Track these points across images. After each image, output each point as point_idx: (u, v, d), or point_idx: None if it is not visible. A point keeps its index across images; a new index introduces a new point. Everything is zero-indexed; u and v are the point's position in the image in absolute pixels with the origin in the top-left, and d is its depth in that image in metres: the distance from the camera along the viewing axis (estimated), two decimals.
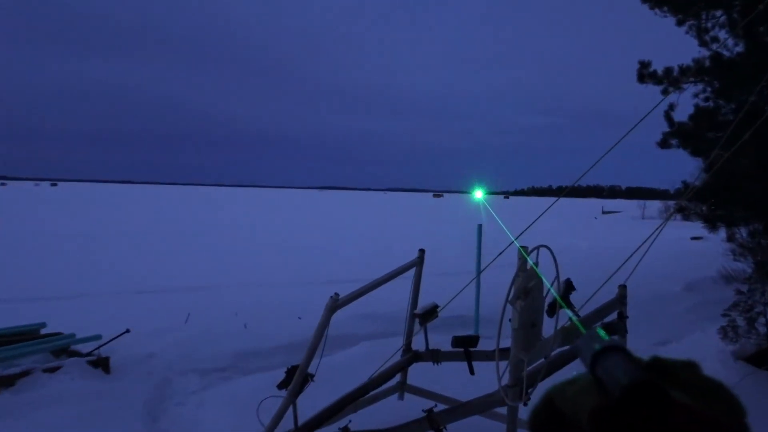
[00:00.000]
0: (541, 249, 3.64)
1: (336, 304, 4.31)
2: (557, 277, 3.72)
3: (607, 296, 4.64)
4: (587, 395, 0.63)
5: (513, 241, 3.79)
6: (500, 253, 4.62)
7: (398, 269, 5.16)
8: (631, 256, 4.63)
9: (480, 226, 9.29)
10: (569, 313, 4.55)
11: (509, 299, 3.55)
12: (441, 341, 5.73)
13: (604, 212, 74.60)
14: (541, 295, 3.81)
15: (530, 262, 3.52)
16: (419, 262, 5.45)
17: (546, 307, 3.91)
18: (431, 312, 5.17)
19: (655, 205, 56.93)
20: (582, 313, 4.48)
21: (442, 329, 7.97)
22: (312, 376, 4.28)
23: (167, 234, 26.63)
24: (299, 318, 9.80)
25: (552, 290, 3.76)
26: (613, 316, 4.64)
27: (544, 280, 3.64)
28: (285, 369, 4.40)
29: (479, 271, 7.79)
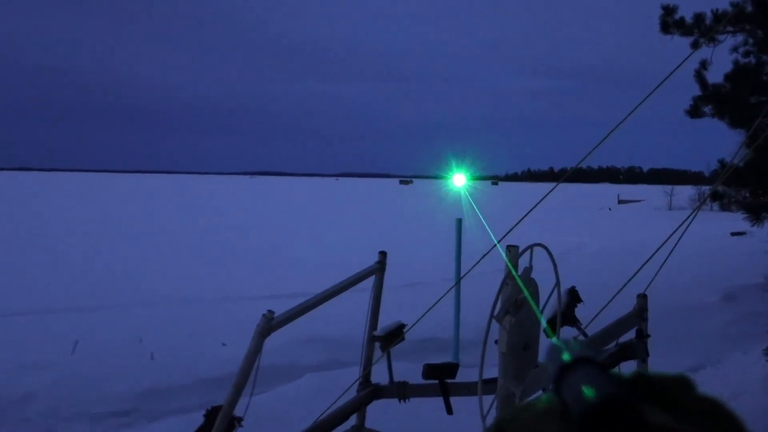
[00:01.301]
0: (537, 249, 3.67)
1: (270, 325, 4.29)
2: (557, 285, 3.77)
3: (624, 309, 4.71)
4: (547, 421, 0.63)
5: (496, 244, 3.82)
6: (483, 256, 4.65)
7: (352, 278, 5.16)
8: (653, 256, 4.70)
9: (459, 221, 9.35)
10: (575, 331, 4.61)
11: (495, 315, 3.58)
12: (409, 371, 5.74)
13: (620, 201, 75.95)
14: (537, 308, 3.85)
15: (510, 267, 3.56)
16: (380, 268, 5.45)
17: (543, 325, 3.95)
18: (396, 334, 5.17)
19: (686, 192, 57.41)
20: (591, 331, 4.55)
21: (410, 356, 8.00)
22: (240, 420, 4.25)
23: (49, 234, 26.19)
24: (223, 344, 9.75)
25: (551, 302, 3.81)
26: (631, 334, 4.72)
27: (529, 291, 3.68)
28: (204, 412, 4.37)
29: (458, 279, 7.84)
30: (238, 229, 31.59)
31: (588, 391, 0.59)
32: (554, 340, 0.67)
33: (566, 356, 0.63)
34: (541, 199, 4.59)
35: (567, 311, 4.46)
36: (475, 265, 5.21)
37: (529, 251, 3.70)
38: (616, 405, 0.58)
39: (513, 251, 3.75)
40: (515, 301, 3.65)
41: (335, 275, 5.58)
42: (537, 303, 3.97)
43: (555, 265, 3.77)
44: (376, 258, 5.53)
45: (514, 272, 3.68)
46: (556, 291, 4.00)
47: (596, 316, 4.71)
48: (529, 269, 3.89)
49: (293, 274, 16.82)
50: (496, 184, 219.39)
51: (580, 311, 4.60)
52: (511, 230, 4.19)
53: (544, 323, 3.83)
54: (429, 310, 5.24)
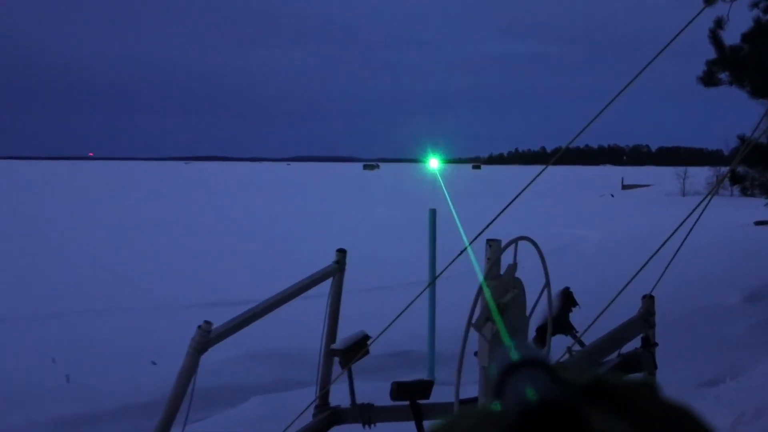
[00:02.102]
0: (523, 244, 3.68)
1: (207, 339, 4.26)
2: (547, 285, 3.78)
3: (627, 313, 4.74)
4: (485, 428, 0.64)
5: (467, 241, 3.83)
6: (461, 253, 4.65)
7: (305, 282, 5.14)
8: (660, 249, 4.73)
9: (433, 212, 9.35)
10: (569, 340, 4.64)
11: (474, 322, 3.59)
12: (375, 391, 5.74)
13: (624, 186, 76.55)
14: (523, 314, 3.86)
15: (476, 268, 3.57)
16: (338, 269, 5.44)
17: (533, 334, 3.97)
18: (358, 346, 5.17)
19: (702, 174, 57.20)
20: (589, 339, 4.58)
21: (376, 373, 8.00)
22: None
23: None
24: (153, 363, 9.69)
25: (541, 306, 3.82)
26: (636, 343, 4.75)
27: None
28: None
29: (432, 280, 7.85)
30: (170, 224, 31.34)
31: (530, 394, 0.60)
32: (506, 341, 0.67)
33: (513, 357, 0.64)
34: (529, 184, 4.60)
35: (559, 317, 4.47)
36: (450, 264, 5.22)
37: (513, 246, 3.70)
38: (556, 408, 0.59)
39: (494, 246, 3.75)
40: (498, 306, 3.66)
41: (286, 278, 5.56)
42: (523, 307, 3.98)
43: (544, 262, 3.78)
44: (333, 257, 5.52)
45: (490, 271, 3.69)
46: (545, 293, 4.02)
47: (594, 321, 4.74)
48: (513, 267, 3.89)
49: (236, 278, 16.74)
50: (479, 167, 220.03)
51: (575, 316, 4.63)
52: (492, 222, 4.19)
53: (531, 332, 3.85)
54: (398, 317, 5.23)
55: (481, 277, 3.61)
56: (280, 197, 54.63)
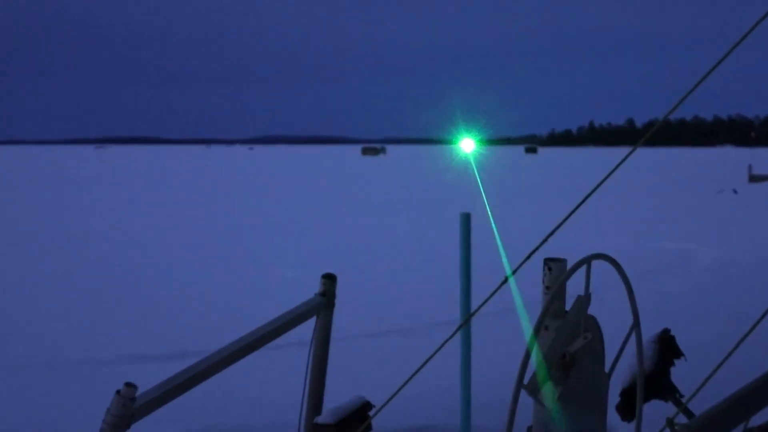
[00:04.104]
0: (599, 265, 3.70)
1: (129, 411, 4.29)
2: (636, 326, 3.79)
3: (758, 367, 4.75)
4: None
5: (508, 273, 3.83)
6: (505, 281, 4.64)
7: (276, 323, 5.16)
8: None
9: (466, 217, 9.36)
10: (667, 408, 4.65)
11: (526, 383, 3.61)
12: None
13: (753, 178, 76.14)
14: (601, 369, 3.88)
15: (519, 305, 3.58)
16: (325, 304, 5.46)
17: (616, 400, 3.98)
18: (356, 419, 5.19)
19: None
20: (699, 407, 4.59)
21: None
22: None
23: None
24: None
25: (627, 358, 3.82)
26: None
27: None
28: None
29: (466, 319, 7.87)
30: (80, 231, 31.45)
31: None
32: None
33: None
34: (608, 175, 4.59)
35: (656, 373, 4.49)
36: (492, 295, 5.21)
37: (584, 269, 3.71)
38: None
39: (556, 270, 3.76)
40: (562, 359, 3.68)
41: (250, 317, 5.57)
42: (600, 360, 3.99)
43: (631, 292, 3.78)
44: (316, 287, 5.54)
45: (549, 307, 3.71)
46: (633, 338, 4.02)
47: (708, 379, 4.75)
48: (584, 300, 3.90)
49: (177, 316, 16.75)
50: (534, 150, 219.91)
51: (678, 372, 4.64)
52: (552, 233, 4.17)
53: (613, 396, 3.86)
54: (414, 374, 5.24)
55: (527, 323, 3.61)
56: (236, 198, 54.36)
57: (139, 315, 17.49)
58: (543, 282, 3.80)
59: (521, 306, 3.85)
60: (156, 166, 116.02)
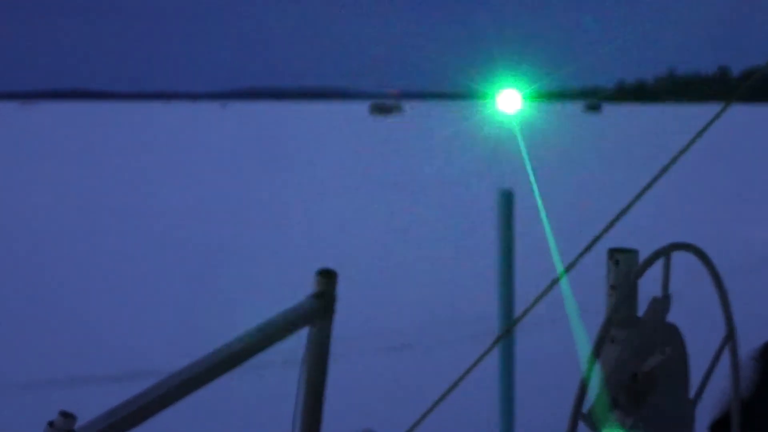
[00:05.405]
0: (680, 258, 3.68)
1: None
2: (731, 338, 3.78)
3: None
4: None
5: (560, 271, 3.80)
6: (554, 283, 4.61)
7: (256, 334, 5.16)
8: None
9: (507, 195, 9.39)
10: None
11: (586, 411, 3.58)
12: None
13: None
14: (684, 393, 3.86)
15: (572, 310, 3.56)
16: (321, 308, 5.46)
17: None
18: None
19: None
20: None
21: None
22: None
23: None
24: None
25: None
26: None
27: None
28: None
29: (508, 328, 7.88)
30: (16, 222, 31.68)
31: None
32: None
33: None
34: (694, 139, 4.57)
35: (757, 399, 4.47)
36: (539, 299, 5.20)
37: (661, 262, 3.68)
38: None
39: (625, 263, 3.72)
40: (632, 381, 3.67)
41: (223, 325, 5.57)
42: (684, 380, 3.97)
43: (724, 295, 3.77)
44: (309, 287, 5.54)
45: (615, 313, 3.69)
46: (728, 352, 4.01)
47: None
48: (662, 305, 3.89)
49: (129, 326, 16.83)
50: (596, 108, 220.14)
51: None
52: (619, 217, 4.15)
53: (701, 430, 3.85)
54: (441, 399, 5.24)
55: (584, 334, 3.59)
56: (203, 174, 54.29)
57: (80, 325, 17.58)
58: (607, 279, 3.77)
59: (576, 311, 3.86)
60: (96, 129, 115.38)
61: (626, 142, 63.15)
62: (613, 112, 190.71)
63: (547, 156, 44.16)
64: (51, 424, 4.31)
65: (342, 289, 5.59)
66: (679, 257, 3.72)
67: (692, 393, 3.96)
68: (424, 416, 5.01)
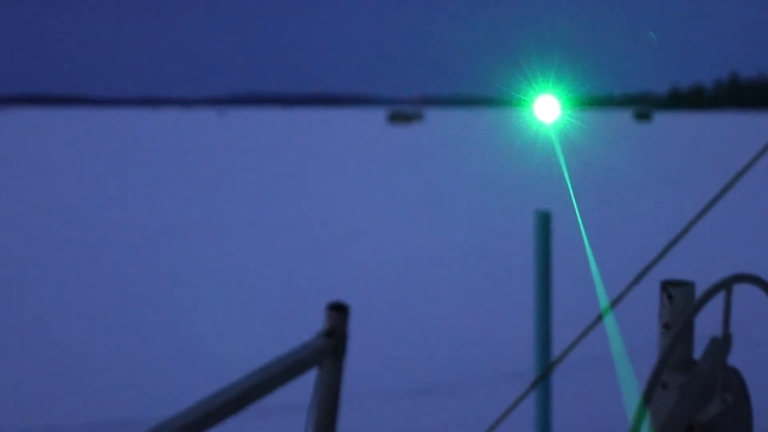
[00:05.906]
0: (745, 291, 3.62)
1: None
2: None
3: None
4: None
5: (603, 303, 3.73)
6: (598, 320, 4.56)
7: (259, 377, 5.09)
8: None
9: (546, 217, 9.37)
10: None
11: None
12: None
13: None
14: None
15: (617, 351, 3.50)
16: (331, 348, 5.38)
17: None
18: None
19: None
20: None
21: None
22: None
23: None
24: None
25: None
26: None
27: None
28: None
29: (546, 370, 7.84)
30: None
31: None
32: None
33: None
34: (757, 157, 4.49)
35: None
36: (580, 338, 5.16)
37: (722, 296, 3.64)
38: None
39: (680, 297, 3.67)
40: (690, 429, 3.58)
41: (221, 367, 5.51)
42: (748, 429, 3.92)
43: None
44: (319, 323, 5.48)
45: (668, 355, 3.62)
46: None
47: None
48: (722, 346, 3.82)
49: (109, 367, 16.85)
50: (647, 116, 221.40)
51: None
52: (673, 243, 4.08)
53: None
54: None
55: (633, 378, 3.53)
56: (201, 189, 54.60)
57: (52, 369, 17.60)
58: (659, 316, 3.72)
59: (623, 351, 3.81)
60: (74, 139, 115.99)
61: (681, 156, 63.73)
62: (665, 120, 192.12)
63: (590, 172, 44.43)
64: None
65: (355, 323, 5.54)
66: (741, 290, 3.65)
67: None
68: None
